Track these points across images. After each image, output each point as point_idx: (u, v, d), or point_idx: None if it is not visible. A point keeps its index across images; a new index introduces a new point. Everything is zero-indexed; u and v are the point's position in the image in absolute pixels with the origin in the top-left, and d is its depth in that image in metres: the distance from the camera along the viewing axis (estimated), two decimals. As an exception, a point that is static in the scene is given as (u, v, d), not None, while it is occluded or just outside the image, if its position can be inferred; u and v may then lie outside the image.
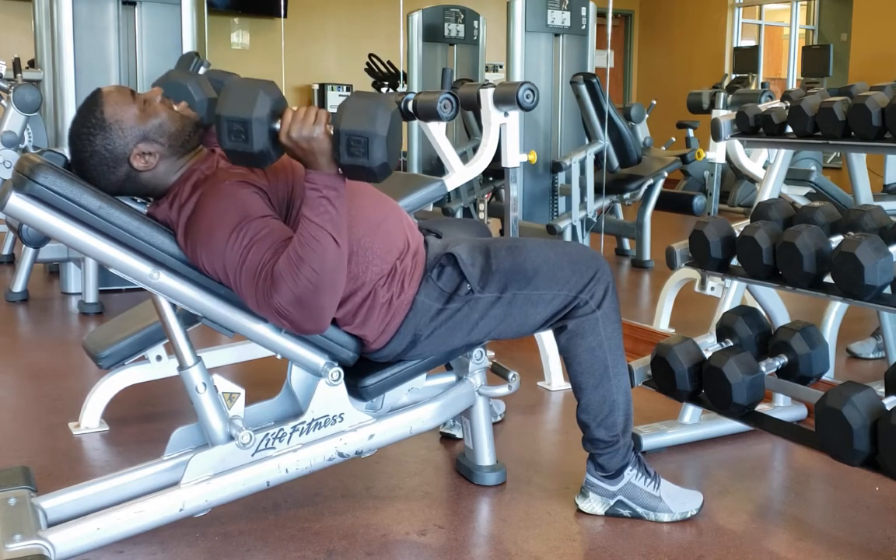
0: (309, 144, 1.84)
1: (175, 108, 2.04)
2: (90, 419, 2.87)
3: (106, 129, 1.97)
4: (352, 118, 1.81)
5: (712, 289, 3.21)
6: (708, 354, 2.41)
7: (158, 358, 2.78)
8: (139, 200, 2.11)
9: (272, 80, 1.89)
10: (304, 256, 1.84)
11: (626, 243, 6.22)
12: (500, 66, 7.07)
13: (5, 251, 6.04)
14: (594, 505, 2.28)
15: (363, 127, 1.80)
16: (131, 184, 2.03)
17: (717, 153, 4.67)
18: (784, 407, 2.95)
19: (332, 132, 1.84)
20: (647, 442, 2.70)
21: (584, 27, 5.96)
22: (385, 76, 8.73)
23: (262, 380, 2.67)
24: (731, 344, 2.51)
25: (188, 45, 5.10)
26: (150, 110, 2.00)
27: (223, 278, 1.95)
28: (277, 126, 1.85)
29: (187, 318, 2.18)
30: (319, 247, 1.84)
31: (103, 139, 1.97)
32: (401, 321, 2.13)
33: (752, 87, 7.95)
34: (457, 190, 5.54)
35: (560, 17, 5.85)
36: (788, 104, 2.62)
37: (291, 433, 2.14)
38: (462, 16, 6.62)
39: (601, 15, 6.05)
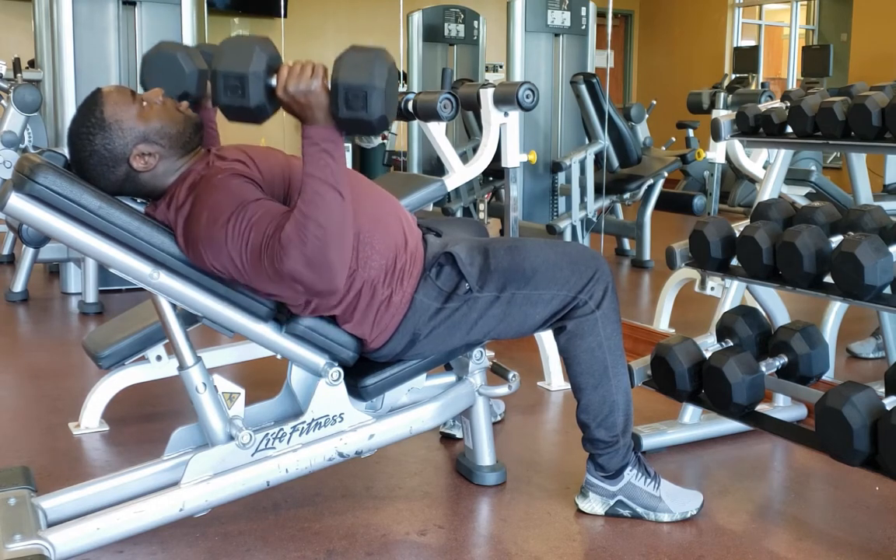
0: (306, 98, 1.83)
1: (178, 108, 2.04)
2: (90, 419, 2.87)
3: (105, 128, 1.97)
4: (350, 71, 1.80)
5: (712, 289, 3.21)
6: (708, 354, 2.41)
7: (158, 358, 2.78)
8: (139, 200, 2.11)
9: (267, 37, 1.88)
10: (309, 213, 1.83)
11: (626, 243, 6.22)
12: (500, 66, 7.07)
13: (5, 251, 6.04)
14: (594, 505, 2.28)
15: (361, 79, 1.79)
16: (130, 184, 2.02)
17: (717, 153, 4.67)
18: (784, 407, 2.95)
19: (329, 85, 1.83)
20: (647, 442, 2.70)
21: (584, 27, 5.96)
22: (385, 76, 8.72)
23: (262, 380, 2.67)
24: (731, 344, 2.51)
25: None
26: (150, 111, 2.00)
27: (231, 269, 1.94)
28: (273, 82, 1.84)
29: (187, 318, 2.18)
30: (323, 201, 1.84)
31: (103, 139, 1.97)
32: (400, 320, 2.13)
33: (752, 87, 7.94)
34: (457, 190, 5.53)
35: (560, 17, 5.85)
36: (788, 104, 2.62)
37: (291, 433, 2.14)
38: (462, 16, 6.62)
39: (601, 15, 6.05)
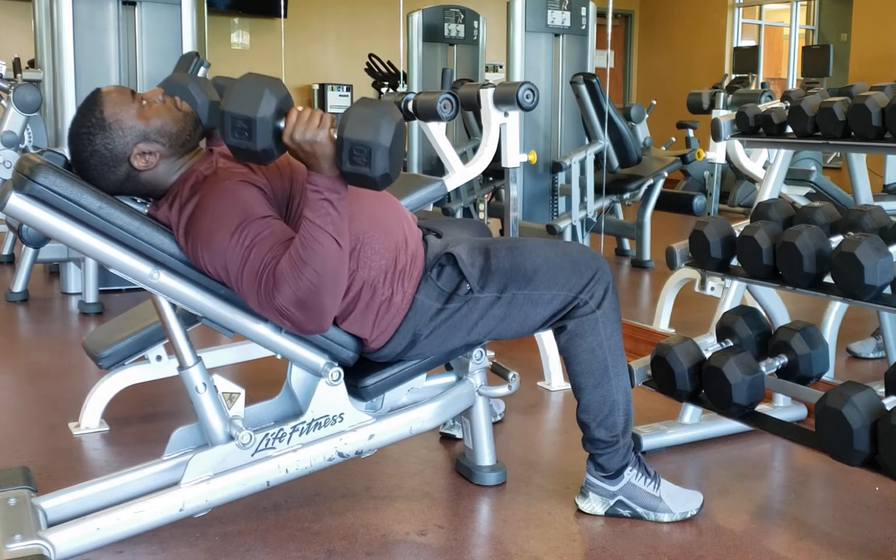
0: (312, 148, 1.84)
1: (178, 106, 2.04)
2: (90, 419, 2.87)
3: (106, 128, 1.97)
4: (356, 127, 1.81)
5: (712, 289, 3.21)
6: (708, 354, 2.41)
7: (158, 358, 2.78)
8: (139, 200, 2.11)
9: (279, 78, 1.88)
10: (306, 258, 1.84)
11: (626, 243, 6.22)
12: (500, 66, 7.07)
13: (5, 251, 6.05)
14: (594, 505, 2.28)
15: (367, 136, 1.80)
16: (131, 183, 2.03)
17: (717, 153, 4.66)
18: (784, 407, 2.95)
19: (335, 137, 1.84)
20: (647, 442, 2.70)
21: (584, 27, 5.96)
22: (385, 76, 8.73)
23: (262, 380, 2.67)
24: (731, 344, 2.51)
25: (188, 45, 5.10)
26: (150, 110, 2.00)
27: (224, 278, 1.95)
28: (282, 125, 1.85)
29: (187, 318, 2.18)
30: (321, 248, 1.84)
31: (103, 139, 1.97)
32: (400, 320, 2.13)
33: (752, 87, 7.94)
34: (457, 190, 5.54)
35: (560, 17, 5.85)
36: (788, 104, 2.62)
37: (291, 433, 2.14)
38: (462, 16, 6.62)
39: (601, 15, 6.05)
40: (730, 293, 2.93)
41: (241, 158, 1.92)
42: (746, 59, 9.51)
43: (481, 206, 6.35)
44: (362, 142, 1.80)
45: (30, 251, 4.79)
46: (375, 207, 2.14)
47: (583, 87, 5.47)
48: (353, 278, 2.06)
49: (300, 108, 1.88)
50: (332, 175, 1.87)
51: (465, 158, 4.55)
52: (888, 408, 1.98)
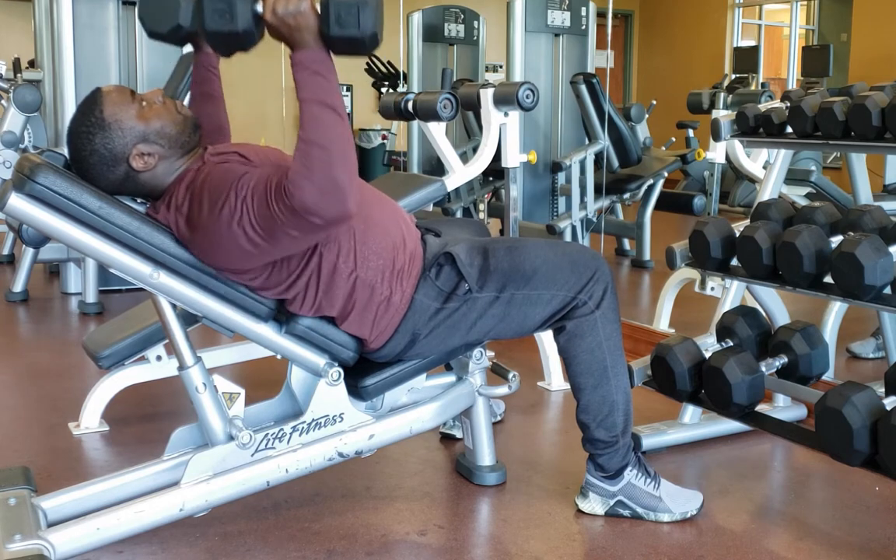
0: (295, 20, 1.81)
1: (178, 109, 2.04)
2: (90, 419, 2.87)
3: (105, 128, 1.97)
4: None
5: (712, 289, 3.21)
6: (708, 354, 2.41)
7: (158, 358, 2.78)
8: (139, 200, 2.11)
9: None
10: (310, 137, 1.82)
11: (626, 243, 6.22)
12: (500, 66, 7.06)
13: (5, 251, 6.05)
14: (594, 505, 2.28)
15: None
16: (130, 183, 2.02)
17: (717, 153, 4.66)
18: (784, 407, 2.95)
19: (318, 6, 1.81)
20: (647, 442, 2.70)
21: (584, 27, 5.95)
22: (385, 76, 8.73)
23: (262, 380, 2.67)
24: (731, 344, 2.51)
25: (188, 46, 5.08)
26: (150, 111, 2.01)
27: (246, 244, 1.91)
28: (260, 8, 1.82)
29: (187, 318, 2.18)
30: (322, 123, 1.83)
31: (102, 138, 1.97)
32: (399, 320, 2.13)
33: (752, 87, 7.93)
34: (457, 190, 5.53)
35: (560, 17, 5.85)
36: (788, 104, 2.62)
37: (291, 433, 2.14)
38: (462, 16, 6.62)
39: (601, 15, 6.05)
40: (730, 293, 2.93)
41: (223, 48, 1.88)
42: (746, 59, 9.51)
43: (481, 206, 6.35)
44: (348, 0, 1.77)
45: (30, 251, 4.79)
46: (373, 208, 2.14)
47: (583, 87, 5.47)
48: (352, 278, 2.06)
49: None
50: (318, 47, 1.84)
51: (465, 158, 4.54)
52: (888, 408, 1.98)
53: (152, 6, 2.12)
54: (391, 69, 8.63)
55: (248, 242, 1.91)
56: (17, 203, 1.88)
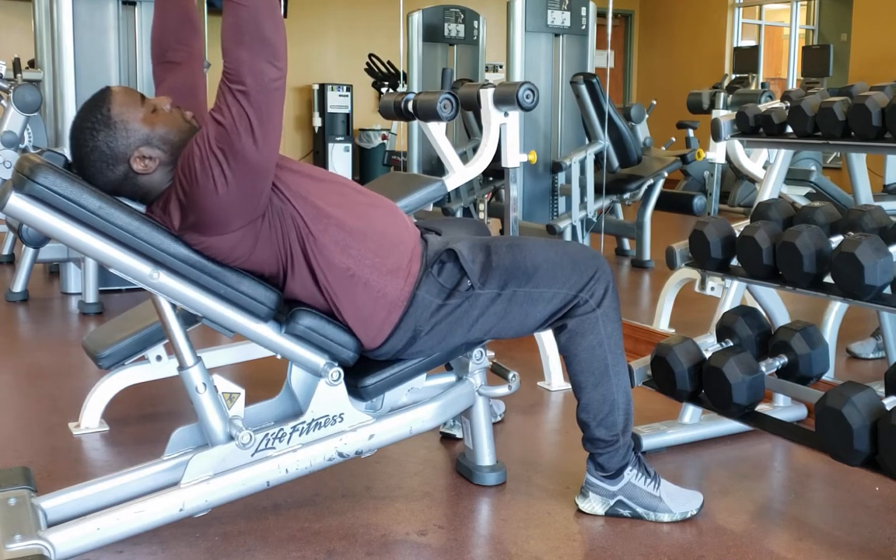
0: None
1: (184, 118, 2.05)
2: (90, 419, 2.87)
3: (110, 126, 1.98)
4: None
5: (712, 289, 3.21)
6: (708, 354, 2.41)
7: (158, 358, 2.78)
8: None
9: None
10: (232, 5, 1.83)
11: (626, 243, 6.22)
12: (500, 66, 7.07)
13: (5, 251, 6.04)
14: (594, 505, 2.28)
15: None
16: (128, 185, 2.03)
17: (717, 153, 4.66)
18: (784, 407, 2.95)
19: None
20: (647, 442, 2.70)
21: (584, 27, 5.95)
22: (385, 76, 8.73)
23: (262, 380, 2.67)
24: (731, 344, 2.51)
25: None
26: (157, 117, 2.01)
27: (224, 187, 1.91)
28: None
29: (187, 318, 2.18)
30: None
31: (106, 136, 1.98)
32: (400, 316, 2.13)
33: (752, 87, 7.94)
34: (457, 190, 5.53)
35: (560, 17, 5.85)
36: (788, 104, 2.62)
37: (291, 433, 2.14)
38: (462, 16, 6.62)
39: (601, 15, 6.05)
40: (730, 293, 2.93)
41: None
42: (746, 59, 9.52)
43: (481, 206, 6.35)
44: None
45: (30, 251, 4.79)
46: (371, 208, 2.15)
47: (583, 87, 5.47)
48: (350, 276, 2.07)
49: None
50: None
51: (465, 158, 4.54)
52: (888, 408, 1.98)
53: None
54: (391, 69, 8.64)
55: (222, 185, 1.90)
56: (17, 203, 1.88)
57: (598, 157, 5.43)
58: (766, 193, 2.87)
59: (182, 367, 2.07)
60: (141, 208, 2.05)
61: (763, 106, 2.76)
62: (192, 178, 1.92)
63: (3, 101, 5.16)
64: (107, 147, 1.98)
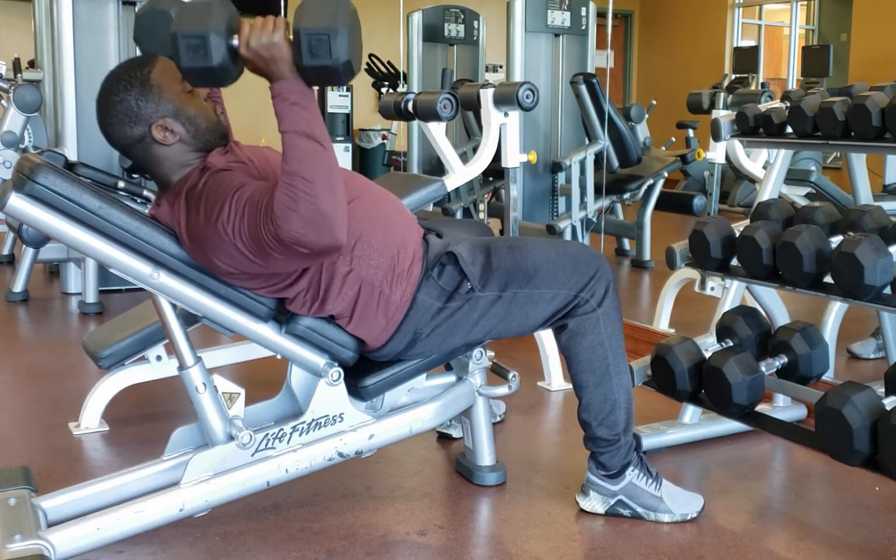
0: (269, 52, 1.80)
1: (216, 112, 2.06)
2: (90, 419, 2.87)
3: (146, 87, 1.99)
4: (311, 16, 1.77)
5: (712, 289, 3.21)
6: (708, 354, 2.41)
7: (158, 358, 2.78)
8: (139, 200, 2.11)
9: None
10: (293, 170, 1.81)
11: (626, 243, 6.22)
12: (500, 66, 7.06)
13: (5, 251, 6.04)
14: (595, 504, 2.28)
15: (323, 23, 1.76)
16: (139, 148, 2.03)
17: (717, 153, 4.66)
18: (784, 407, 2.95)
19: (291, 36, 1.81)
20: (647, 442, 2.69)
21: (584, 27, 5.95)
22: (385, 76, 8.73)
23: (262, 380, 2.67)
24: (731, 344, 2.51)
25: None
26: (190, 98, 2.03)
27: (239, 257, 1.92)
28: (235, 42, 1.81)
29: (187, 318, 2.18)
30: (304, 154, 1.82)
31: (138, 93, 1.99)
32: (400, 319, 2.13)
33: (752, 88, 7.94)
34: (457, 190, 5.53)
35: (560, 18, 5.85)
36: (788, 104, 2.62)
37: (291, 433, 2.14)
38: (462, 16, 6.62)
39: (601, 15, 6.05)
40: (730, 293, 2.93)
41: (200, 82, 1.88)
42: (746, 59, 9.52)
43: (481, 206, 6.35)
44: (319, 30, 1.76)
45: (30, 251, 4.79)
46: (374, 206, 2.14)
47: (583, 87, 5.47)
48: (352, 276, 2.06)
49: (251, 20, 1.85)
50: (295, 77, 1.84)
51: (465, 158, 4.54)
52: (888, 408, 1.98)
53: (149, 33, 2.13)
54: (391, 69, 8.63)
55: (242, 257, 1.93)
56: (17, 203, 1.88)
57: (598, 157, 5.43)
58: (766, 193, 2.87)
59: (182, 367, 2.07)
60: (143, 209, 2.06)
61: (763, 106, 2.76)
62: (212, 216, 1.91)
63: (3, 101, 5.16)
64: (136, 104, 1.99)
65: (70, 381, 3.43)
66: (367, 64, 8.74)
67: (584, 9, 5.93)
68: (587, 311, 2.18)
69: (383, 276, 2.10)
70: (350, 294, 2.08)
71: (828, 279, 2.18)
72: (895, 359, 3.19)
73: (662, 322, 3.81)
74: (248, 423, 2.11)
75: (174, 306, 2.07)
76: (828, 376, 2.60)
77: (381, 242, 2.10)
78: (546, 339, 3.37)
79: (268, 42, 1.80)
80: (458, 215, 5.94)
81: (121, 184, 3.22)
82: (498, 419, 2.97)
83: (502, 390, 2.45)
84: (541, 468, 2.62)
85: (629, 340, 2.67)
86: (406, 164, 6.48)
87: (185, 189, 2.00)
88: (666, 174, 5.86)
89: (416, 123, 5.16)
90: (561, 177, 5.86)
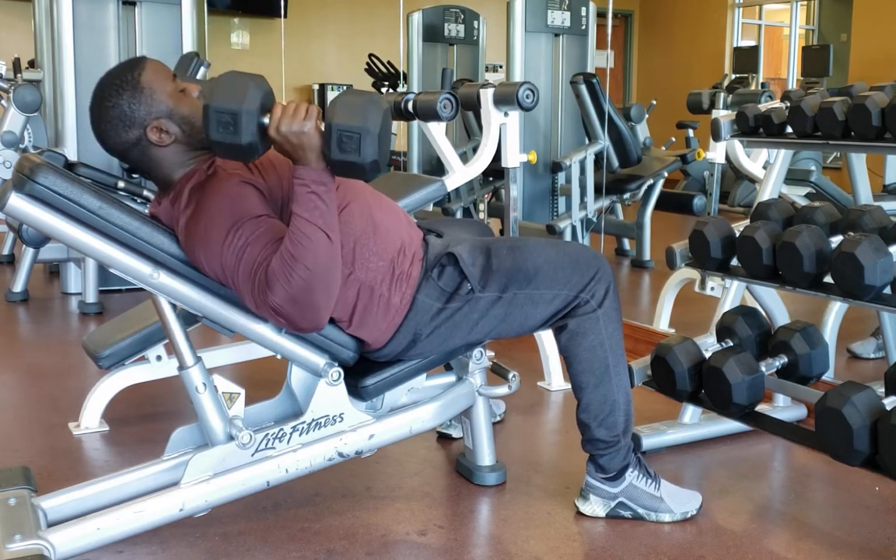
0: (299, 139, 1.82)
1: None
2: (90, 419, 2.87)
3: (137, 90, 1.99)
4: (344, 114, 1.80)
5: (712, 289, 3.21)
6: (708, 354, 2.41)
7: (158, 358, 2.78)
8: (139, 200, 2.11)
9: (262, 75, 1.87)
10: (296, 254, 1.83)
11: (626, 243, 6.22)
12: (500, 66, 7.07)
13: (5, 251, 6.04)
14: (595, 507, 2.28)
15: (355, 123, 1.79)
16: (136, 151, 2.02)
17: (717, 153, 4.66)
18: (784, 407, 2.95)
19: (322, 128, 1.83)
20: (647, 442, 2.69)
21: (584, 27, 5.96)
22: (385, 76, 8.72)
23: (262, 380, 2.67)
24: (731, 344, 2.51)
25: (188, 46, 5.09)
26: (184, 97, 2.02)
27: (221, 278, 1.95)
28: (266, 120, 1.83)
29: (187, 318, 2.18)
30: (311, 243, 1.83)
31: (130, 97, 1.98)
32: (401, 320, 2.13)
33: (752, 87, 7.94)
34: (457, 190, 5.54)
35: (560, 17, 5.86)
36: (788, 104, 2.62)
37: (291, 433, 2.14)
38: (462, 16, 6.62)
39: (601, 15, 6.06)
40: (730, 293, 2.93)
41: (226, 155, 1.89)
42: (746, 59, 9.52)
43: (481, 206, 6.35)
44: (351, 128, 1.79)
45: (30, 251, 4.79)
46: (373, 209, 2.14)
47: (583, 87, 5.47)
48: (351, 279, 2.06)
49: (285, 102, 1.86)
50: (319, 167, 1.85)
51: (465, 158, 4.54)
52: (888, 408, 1.98)
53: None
54: (391, 69, 8.63)
55: (224, 278, 1.95)
56: (17, 203, 1.88)
57: (598, 157, 5.44)
58: (766, 193, 2.87)
59: (182, 367, 2.07)
60: (143, 209, 2.05)
61: (763, 106, 2.76)
62: (210, 229, 1.91)
63: (3, 101, 5.16)
64: (128, 108, 1.98)
65: (70, 381, 3.43)
66: (368, 64, 8.75)
67: (584, 9, 5.93)
68: (587, 311, 2.18)
69: (382, 278, 2.10)
70: (349, 298, 2.07)
71: (828, 279, 2.18)
72: (895, 359, 3.20)
73: (662, 322, 3.81)
74: (248, 423, 2.11)
75: (174, 306, 2.07)
76: (828, 376, 2.60)
77: (380, 245, 2.10)
78: (546, 339, 3.37)
79: (298, 130, 1.82)
80: (458, 215, 5.94)
81: (121, 184, 3.23)
82: (498, 419, 2.97)
83: (502, 390, 2.45)
84: (541, 468, 2.62)
85: (629, 340, 2.67)
86: (406, 164, 6.49)
87: (188, 186, 2.00)
88: (666, 174, 5.86)
89: (415, 123, 5.16)
90: (561, 177, 5.86)
